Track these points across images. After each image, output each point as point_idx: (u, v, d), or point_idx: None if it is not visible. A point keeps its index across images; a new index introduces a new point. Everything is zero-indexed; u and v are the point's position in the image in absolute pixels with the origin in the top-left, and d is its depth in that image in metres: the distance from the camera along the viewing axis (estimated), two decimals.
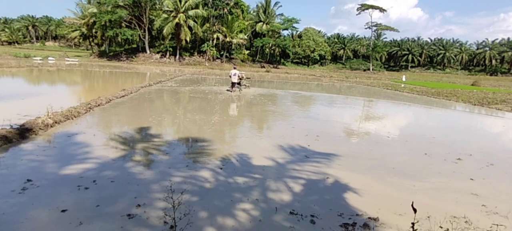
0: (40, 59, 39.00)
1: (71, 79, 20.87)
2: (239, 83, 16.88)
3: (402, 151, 7.19)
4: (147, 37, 47.23)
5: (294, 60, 68.09)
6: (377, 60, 75.00)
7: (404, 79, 40.83)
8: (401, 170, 5.58)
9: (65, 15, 60.15)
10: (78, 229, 3.10)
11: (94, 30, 47.34)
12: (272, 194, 4.20)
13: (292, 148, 6.61)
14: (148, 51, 48.13)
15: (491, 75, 74.43)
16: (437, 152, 6.94)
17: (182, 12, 43.01)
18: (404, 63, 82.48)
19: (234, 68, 17.32)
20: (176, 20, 42.83)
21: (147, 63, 43.89)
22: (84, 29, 49.12)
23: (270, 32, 57.14)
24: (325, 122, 10.40)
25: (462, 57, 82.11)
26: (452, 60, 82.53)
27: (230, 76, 16.72)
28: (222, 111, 11.27)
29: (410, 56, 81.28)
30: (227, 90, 17.30)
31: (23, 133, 6.02)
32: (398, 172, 5.46)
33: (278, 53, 67.33)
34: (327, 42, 72.92)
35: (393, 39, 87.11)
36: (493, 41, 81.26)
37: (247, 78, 19.61)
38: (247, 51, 55.19)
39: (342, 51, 79.17)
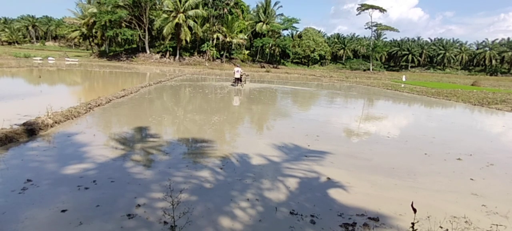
0: (40, 59, 39.03)
1: (71, 79, 20.87)
2: (240, 79, 20.34)
3: (402, 151, 7.19)
4: (147, 37, 47.24)
5: (294, 60, 68.05)
6: (377, 60, 75.00)
7: (404, 79, 40.80)
8: (401, 170, 5.58)
9: (65, 15, 60.23)
10: (78, 229, 3.10)
11: (94, 30, 47.36)
12: (272, 194, 4.20)
13: (291, 147, 6.61)
14: (148, 51, 48.14)
15: (491, 75, 74.47)
16: (437, 152, 6.94)
17: (182, 12, 43.02)
18: (404, 63, 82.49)
19: (238, 66, 21.47)
20: (176, 20, 42.85)
21: (147, 63, 43.89)
22: (84, 29, 49.17)
23: (270, 32, 57.13)
24: (325, 122, 10.40)
25: (462, 57, 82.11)
26: (452, 60, 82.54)
27: (234, 73, 20.60)
28: (221, 110, 11.26)
29: (410, 56, 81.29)
30: (231, 84, 20.88)
31: (27, 132, 6.02)
32: (398, 172, 5.45)
33: (278, 53, 67.28)
34: (327, 42, 72.90)
35: (393, 39, 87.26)
36: (493, 41, 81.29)
37: (246, 75, 23.74)
38: (247, 51, 55.16)
39: (342, 51, 79.19)
